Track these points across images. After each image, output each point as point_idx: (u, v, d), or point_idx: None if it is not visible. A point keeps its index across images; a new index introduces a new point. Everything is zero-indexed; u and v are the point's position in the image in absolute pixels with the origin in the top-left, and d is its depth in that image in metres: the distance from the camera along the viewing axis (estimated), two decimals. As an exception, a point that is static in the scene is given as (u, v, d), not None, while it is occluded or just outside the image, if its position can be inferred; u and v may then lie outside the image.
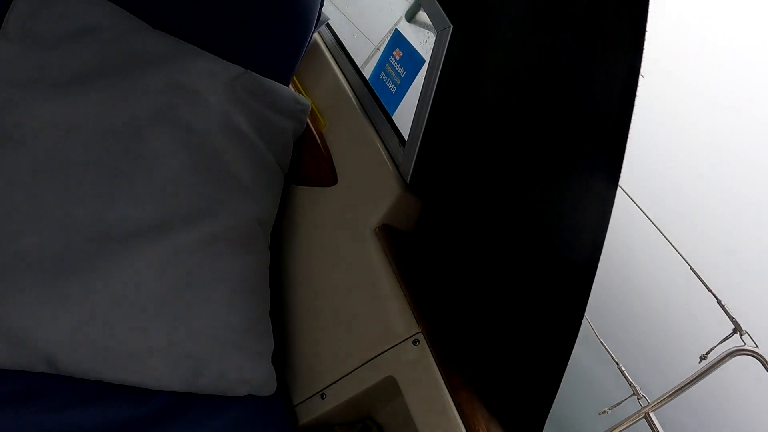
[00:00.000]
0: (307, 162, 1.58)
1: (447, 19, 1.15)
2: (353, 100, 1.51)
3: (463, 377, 1.07)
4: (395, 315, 1.19)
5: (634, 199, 2.92)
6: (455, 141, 1.21)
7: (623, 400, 2.62)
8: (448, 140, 1.23)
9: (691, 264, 2.51)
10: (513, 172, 1.06)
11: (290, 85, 1.71)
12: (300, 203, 1.59)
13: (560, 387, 0.94)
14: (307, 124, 1.60)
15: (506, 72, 1.07)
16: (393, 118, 1.45)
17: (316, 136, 1.57)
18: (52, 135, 1.13)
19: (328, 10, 1.64)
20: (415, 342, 1.12)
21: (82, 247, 1.07)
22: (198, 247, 1.24)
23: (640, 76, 0.75)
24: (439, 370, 1.06)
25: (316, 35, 1.81)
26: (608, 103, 0.84)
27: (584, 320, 2.68)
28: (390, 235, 1.28)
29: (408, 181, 1.28)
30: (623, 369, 2.61)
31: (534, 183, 1.02)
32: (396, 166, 1.33)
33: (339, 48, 1.76)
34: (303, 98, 1.58)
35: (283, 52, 1.55)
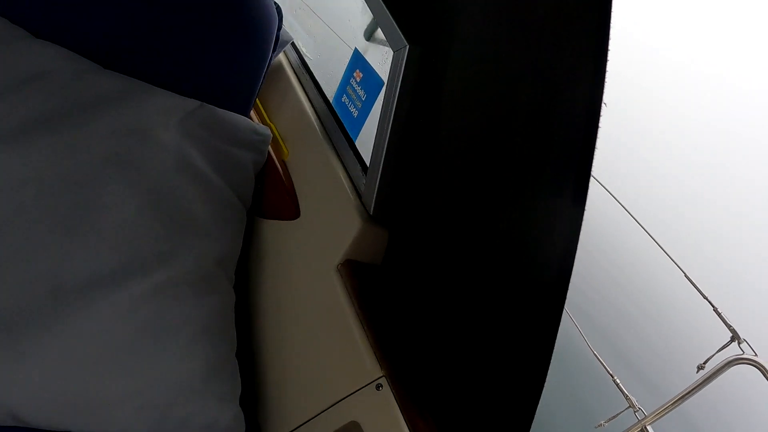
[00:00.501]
0: (270, 195, 1.50)
1: (403, 37, 1.07)
2: (316, 126, 1.44)
3: (427, 422, 1.00)
4: (358, 358, 1.11)
5: (626, 206, 2.85)
6: (418, 167, 1.13)
7: (619, 413, 2.55)
8: (410, 166, 1.15)
9: (685, 271, 2.44)
10: (477, 197, 0.98)
11: (252, 112, 1.64)
12: (265, 237, 1.52)
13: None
14: (269, 154, 1.52)
15: (466, 93, 0.99)
16: (357, 143, 1.37)
17: (279, 166, 1.50)
18: (0, 189, 1.11)
19: (310, 22, 1.58)
20: (378, 387, 1.05)
21: (37, 303, 1.06)
22: (156, 294, 1.20)
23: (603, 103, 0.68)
24: (403, 416, 0.99)
25: (281, 56, 1.74)
26: (573, 120, 0.77)
27: (580, 333, 2.62)
28: (353, 272, 1.20)
29: (371, 212, 1.20)
30: (618, 381, 2.54)
31: (500, 208, 0.94)
32: (359, 196, 1.25)
33: (304, 69, 1.69)
34: (263, 128, 1.50)
35: (240, 82, 1.49)
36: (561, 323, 0.84)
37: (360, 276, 1.21)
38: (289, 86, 1.61)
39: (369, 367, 1.09)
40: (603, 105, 0.68)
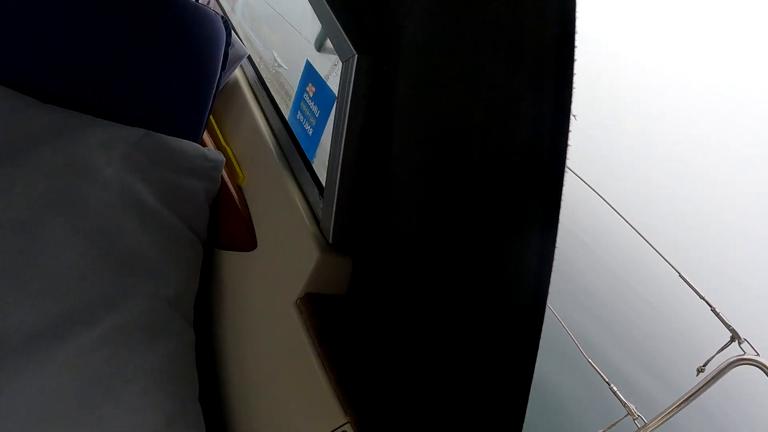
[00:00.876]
0: (226, 224, 1.39)
1: (351, 46, 0.97)
2: (272, 147, 1.33)
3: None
4: (321, 402, 1.00)
5: (617, 209, 2.76)
6: (377, 188, 1.02)
7: (618, 420, 2.46)
8: (369, 187, 1.04)
9: (680, 271, 2.34)
10: (437, 219, 0.87)
11: (206, 135, 1.54)
12: (224, 270, 1.41)
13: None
14: (223, 180, 1.41)
15: (418, 106, 0.89)
16: (317, 163, 1.26)
17: (234, 193, 1.39)
18: None
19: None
20: None
21: None
22: (105, 342, 1.12)
23: (573, 116, 0.57)
24: None
25: (237, 72, 1.63)
26: (537, 137, 0.66)
27: (573, 342, 2.52)
28: (314, 306, 1.09)
29: (330, 241, 1.10)
30: (615, 389, 2.44)
31: (462, 232, 0.83)
32: (318, 222, 1.14)
33: (261, 85, 1.58)
34: (214, 154, 1.40)
35: (187, 105, 1.39)
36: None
37: (322, 310, 1.10)
38: (245, 105, 1.50)
39: (332, 412, 0.98)
40: (572, 117, 0.57)
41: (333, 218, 1.07)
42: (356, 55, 0.95)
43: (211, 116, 1.63)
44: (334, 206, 1.05)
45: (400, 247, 0.98)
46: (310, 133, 1.20)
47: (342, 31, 1.00)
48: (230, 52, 1.64)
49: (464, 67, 0.76)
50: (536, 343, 0.73)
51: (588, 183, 2.86)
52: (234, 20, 1.99)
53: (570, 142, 0.59)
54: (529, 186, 0.69)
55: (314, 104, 1.19)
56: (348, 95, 0.98)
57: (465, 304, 0.85)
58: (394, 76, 0.94)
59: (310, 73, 1.22)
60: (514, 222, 0.74)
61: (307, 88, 1.22)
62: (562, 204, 0.62)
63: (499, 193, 0.74)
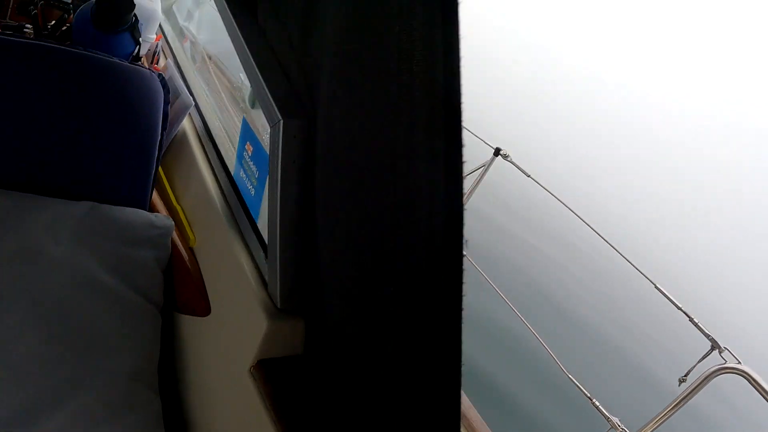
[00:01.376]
0: (180, 288, 1.36)
1: (278, 112, 0.95)
2: (219, 207, 1.30)
3: None
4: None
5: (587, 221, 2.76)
6: (316, 248, 1.00)
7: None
8: (309, 249, 1.02)
9: (655, 282, 2.33)
10: (367, 276, 0.85)
11: (156, 195, 1.52)
12: (184, 335, 1.38)
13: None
14: (175, 244, 1.39)
15: (336, 171, 0.88)
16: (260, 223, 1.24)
17: (185, 257, 1.36)
18: None
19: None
20: None
21: None
22: (71, 426, 1.11)
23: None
24: None
25: (185, 124, 1.61)
26: (435, 197, 0.65)
27: (554, 359, 2.49)
28: (267, 373, 1.06)
29: (279, 305, 1.07)
30: (597, 404, 2.41)
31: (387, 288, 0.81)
32: (266, 286, 1.12)
33: (208, 137, 1.55)
34: (161, 220, 1.37)
35: (131, 173, 1.38)
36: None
37: (276, 375, 1.08)
38: (194, 160, 1.48)
39: None
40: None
41: (278, 283, 1.04)
42: (282, 120, 0.93)
43: (162, 173, 1.61)
44: (278, 272, 1.03)
45: (341, 304, 0.96)
46: (252, 193, 1.18)
47: (269, 95, 0.98)
48: (177, 101, 1.62)
49: (369, 132, 0.76)
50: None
51: (558, 196, 2.87)
52: (185, 63, 1.97)
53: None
54: (432, 248, 0.68)
55: (253, 164, 1.17)
56: (278, 160, 0.96)
57: (403, 361, 0.83)
58: (317, 138, 0.93)
59: (246, 131, 1.20)
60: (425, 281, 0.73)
61: (246, 146, 1.19)
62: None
63: (409, 242, 0.73)
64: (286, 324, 1.08)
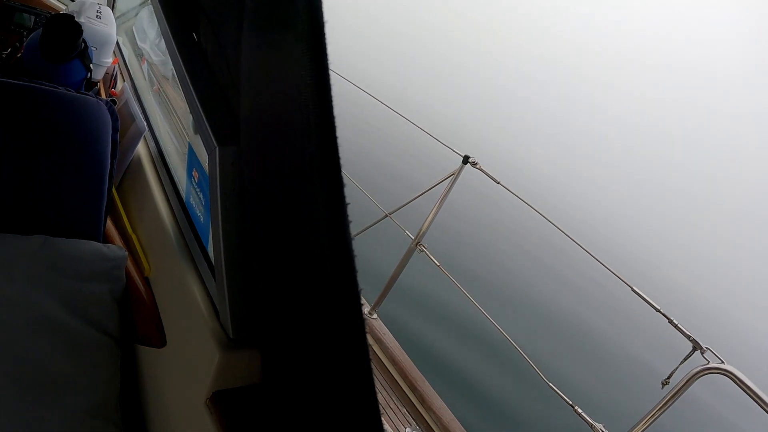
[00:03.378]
0: (137, 319, 1.32)
1: (214, 139, 0.92)
2: (171, 234, 1.26)
3: None
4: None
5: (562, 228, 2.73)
6: (261, 275, 0.96)
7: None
8: (256, 276, 0.98)
9: (632, 285, 2.30)
10: (300, 299, 0.82)
11: (111, 224, 1.48)
12: (144, 366, 1.34)
13: None
14: (130, 274, 1.35)
15: (260, 198, 0.85)
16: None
17: (140, 287, 1.32)
18: None
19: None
20: None
21: None
22: None
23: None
24: None
25: (140, 149, 1.57)
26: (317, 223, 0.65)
27: (532, 367, 2.45)
28: (222, 406, 1.03)
29: (231, 335, 1.03)
30: (580, 411, 2.37)
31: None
32: (218, 316, 1.08)
33: (162, 161, 1.51)
34: (113, 251, 1.33)
35: (82, 203, 1.35)
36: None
37: (232, 407, 1.04)
38: (148, 187, 1.44)
39: None
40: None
41: (229, 313, 1.01)
42: (217, 148, 0.90)
43: (118, 201, 1.57)
44: (227, 301, 0.99)
45: (288, 331, 0.92)
46: (202, 220, 1.14)
47: (206, 121, 0.94)
48: (131, 126, 1.58)
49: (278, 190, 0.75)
50: None
51: (530, 203, 2.83)
52: (142, 86, 1.93)
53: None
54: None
55: (199, 191, 1.13)
56: (217, 187, 0.93)
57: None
58: (243, 170, 0.91)
59: (192, 158, 1.16)
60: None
61: (193, 173, 1.16)
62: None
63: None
64: (240, 354, 1.04)
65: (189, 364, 1.14)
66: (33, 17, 2.17)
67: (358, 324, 0.66)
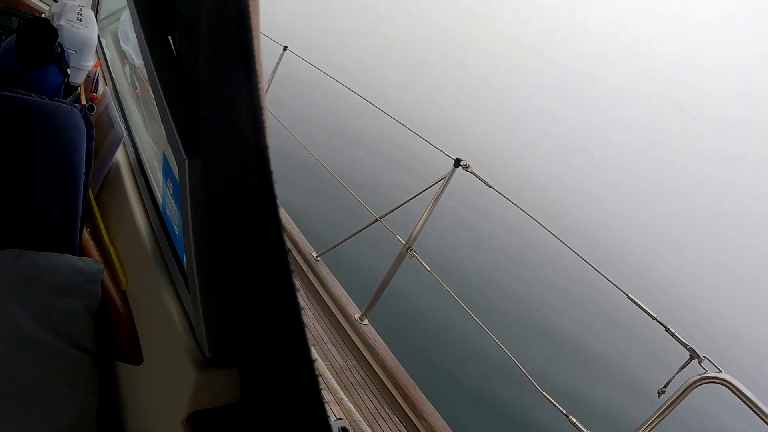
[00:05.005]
0: (114, 334, 1.27)
1: (183, 150, 0.87)
2: (148, 247, 1.21)
3: None
4: None
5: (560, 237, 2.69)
6: (232, 292, 0.91)
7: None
8: (231, 292, 0.93)
9: (628, 293, 2.26)
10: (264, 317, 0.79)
11: (88, 235, 1.42)
12: (121, 383, 1.29)
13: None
14: (107, 288, 1.30)
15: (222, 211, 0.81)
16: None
17: (117, 301, 1.27)
18: None
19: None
20: None
21: None
22: None
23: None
24: None
25: (119, 155, 1.52)
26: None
27: (525, 375, 2.41)
28: (200, 427, 0.98)
29: (208, 354, 0.98)
30: (574, 420, 2.33)
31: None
32: (194, 334, 1.03)
33: (140, 170, 1.46)
34: (88, 265, 1.28)
35: (56, 215, 1.30)
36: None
37: (211, 427, 1.00)
38: (125, 197, 1.39)
39: None
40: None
41: (204, 330, 0.96)
42: (187, 160, 0.85)
43: (96, 211, 1.52)
44: (202, 318, 0.94)
45: (263, 348, 0.88)
46: (177, 232, 1.09)
47: (175, 131, 0.89)
48: (110, 132, 1.53)
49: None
50: None
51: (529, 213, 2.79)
52: (124, 89, 1.88)
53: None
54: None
55: (174, 202, 1.08)
56: (187, 200, 0.88)
57: None
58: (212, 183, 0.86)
59: (167, 168, 1.11)
60: None
61: (167, 184, 1.11)
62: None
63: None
64: (217, 373, 1.00)
65: (165, 383, 1.09)
66: (18, 19, 2.12)
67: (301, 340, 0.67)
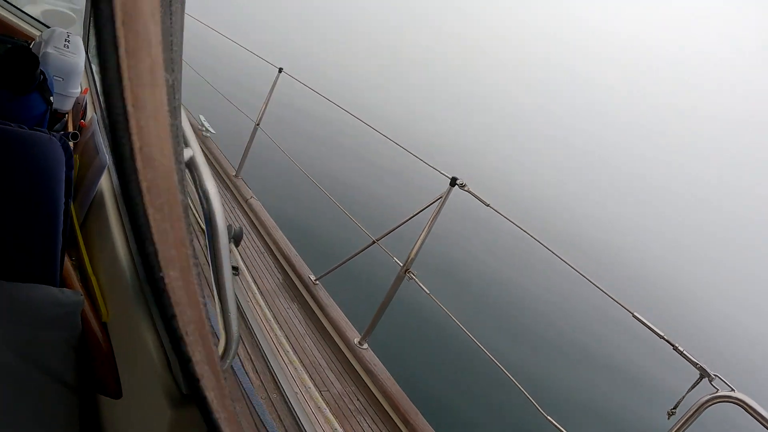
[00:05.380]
0: (94, 366, 1.23)
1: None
2: (128, 278, 1.17)
3: None
4: None
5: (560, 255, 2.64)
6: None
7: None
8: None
9: (633, 311, 2.19)
10: None
11: (69, 264, 1.38)
12: (103, 418, 1.25)
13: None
14: (87, 319, 1.25)
15: None
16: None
17: (98, 333, 1.23)
18: None
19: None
20: None
21: None
22: None
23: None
24: None
25: (102, 183, 1.48)
26: None
27: (528, 398, 2.34)
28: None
29: (184, 390, 0.93)
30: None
31: None
32: (170, 369, 0.98)
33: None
34: (68, 296, 1.25)
35: (36, 246, 1.26)
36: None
37: None
38: (107, 226, 1.35)
39: None
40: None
41: (178, 363, 0.90)
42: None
43: (81, 240, 1.48)
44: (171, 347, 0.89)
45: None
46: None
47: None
48: (95, 160, 1.50)
49: None
50: None
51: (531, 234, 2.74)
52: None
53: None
54: None
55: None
56: None
57: None
58: None
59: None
60: None
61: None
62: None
63: None
64: (193, 410, 0.94)
65: (141, 420, 1.05)
66: (9, 46, 2.11)
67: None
